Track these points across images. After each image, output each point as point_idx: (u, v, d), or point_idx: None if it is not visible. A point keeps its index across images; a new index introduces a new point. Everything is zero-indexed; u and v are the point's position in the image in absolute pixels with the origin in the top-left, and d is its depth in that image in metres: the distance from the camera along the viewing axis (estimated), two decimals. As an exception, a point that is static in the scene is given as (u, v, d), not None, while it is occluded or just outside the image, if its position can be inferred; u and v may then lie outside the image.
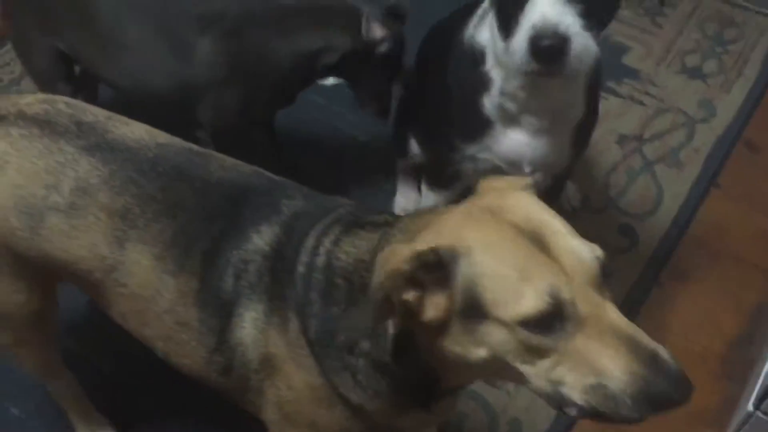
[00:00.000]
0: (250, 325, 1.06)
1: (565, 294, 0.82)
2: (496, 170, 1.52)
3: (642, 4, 2.51)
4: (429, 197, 1.74)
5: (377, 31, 1.66)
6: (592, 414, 0.85)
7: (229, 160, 1.19)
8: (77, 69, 1.87)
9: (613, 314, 0.84)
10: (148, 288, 1.11)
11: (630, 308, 1.83)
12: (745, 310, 1.84)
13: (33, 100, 1.20)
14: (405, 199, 2.03)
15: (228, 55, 1.64)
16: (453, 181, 1.70)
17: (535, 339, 0.83)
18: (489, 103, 1.39)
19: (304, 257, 1.03)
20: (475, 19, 1.41)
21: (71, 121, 1.17)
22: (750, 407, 1.43)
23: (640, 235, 1.98)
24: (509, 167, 1.46)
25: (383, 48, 1.69)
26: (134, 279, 1.11)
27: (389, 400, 1.02)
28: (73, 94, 1.84)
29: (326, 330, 1.00)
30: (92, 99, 2.04)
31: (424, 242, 0.87)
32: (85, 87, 1.98)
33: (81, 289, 1.23)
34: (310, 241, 1.04)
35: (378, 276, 0.86)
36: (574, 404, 0.85)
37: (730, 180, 2.09)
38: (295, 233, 1.07)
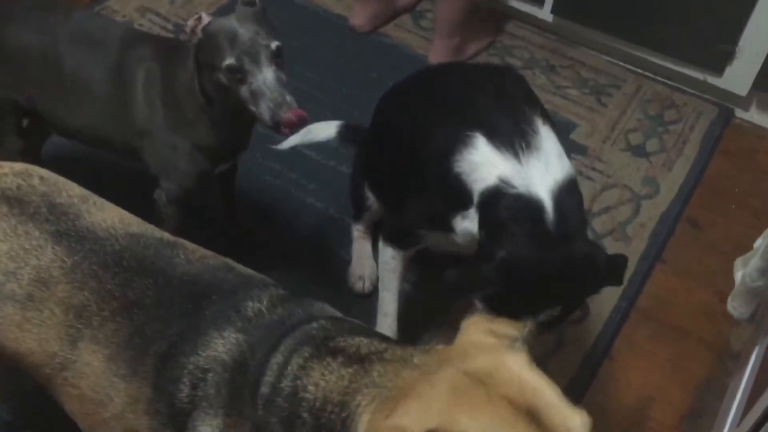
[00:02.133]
0: None
1: None
2: (450, 242, 1.56)
3: (587, 84, 2.63)
4: (386, 252, 1.74)
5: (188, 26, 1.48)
6: None
7: (198, 252, 1.15)
8: (25, 123, 1.83)
9: None
10: (98, 391, 1.05)
11: (584, 381, 1.86)
12: (693, 384, 1.88)
13: (8, 171, 1.16)
14: (360, 267, 2.03)
15: (160, 87, 1.62)
16: (411, 244, 1.73)
17: None
18: (462, 218, 1.48)
19: (269, 377, 0.97)
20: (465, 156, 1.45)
21: (43, 202, 1.12)
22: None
23: (591, 308, 2.01)
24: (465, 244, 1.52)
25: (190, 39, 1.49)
26: (85, 380, 1.06)
27: None
28: (23, 149, 1.81)
29: None
30: (37, 154, 2.01)
31: (409, 418, 0.81)
32: (32, 142, 1.95)
33: (31, 376, 1.16)
34: (277, 358, 0.98)
35: None
36: None
37: (674, 255, 2.16)
38: (260, 345, 1.01)
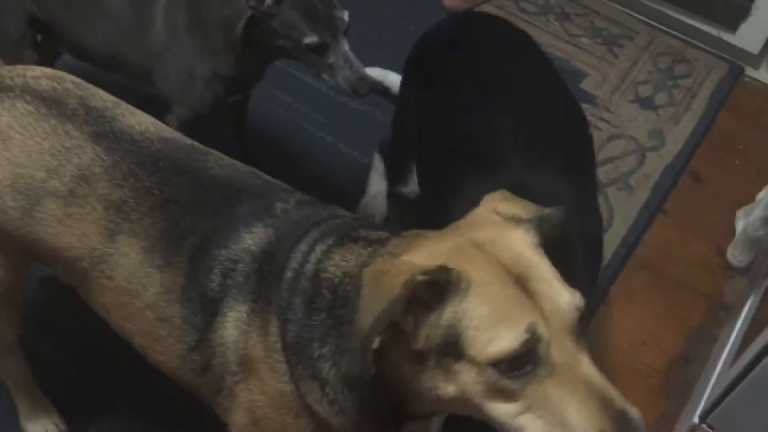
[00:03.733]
0: (232, 325, 1.05)
1: (543, 333, 0.82)
2: None
3: (600, 34, 2.62)
4: None
5: None
6: None
7: (228, 159, 1.18)
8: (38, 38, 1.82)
9: (586, 366, 0.84)
10: (133, 281, 1.10)
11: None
12: (685, 332, 1.93)
13: (40, 74, 1.18)
14: (373, 205, 2.01)
15: (184, 13, 1.60)
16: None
17: (504, 381, 0.83)
18: None
19: (294, 263, 1.02)
20: None
21: (80, 104, 1.15)
22: (695, 420, 1.51)
23: (591, 254, 2.05)
24: None
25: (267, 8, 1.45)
26: (121, 272, 1.10)
27: (354, 419, 1.00)
28: (37, 64, 1.80)
29: (303, 336, 0.99)
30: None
31: (415, 257, 0.87)
32: (44, 60, 1.93)
33: (62, 274, 1.20)
34: (302, 247, 1.03)
35: (378, 288, 0.84)
36: None
37: (675, 207, 2.20)
38: (287, 237, 1.05)
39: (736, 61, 2.59)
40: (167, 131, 1.19)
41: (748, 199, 2.09)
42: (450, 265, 0.84)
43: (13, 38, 1.76)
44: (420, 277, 0.82)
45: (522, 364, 0.82)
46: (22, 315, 1.43)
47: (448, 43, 1.66)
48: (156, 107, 1.70)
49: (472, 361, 0.83)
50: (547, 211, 0.95)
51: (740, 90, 2.53)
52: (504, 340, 0.81)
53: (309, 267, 1.01)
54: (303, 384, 1.00)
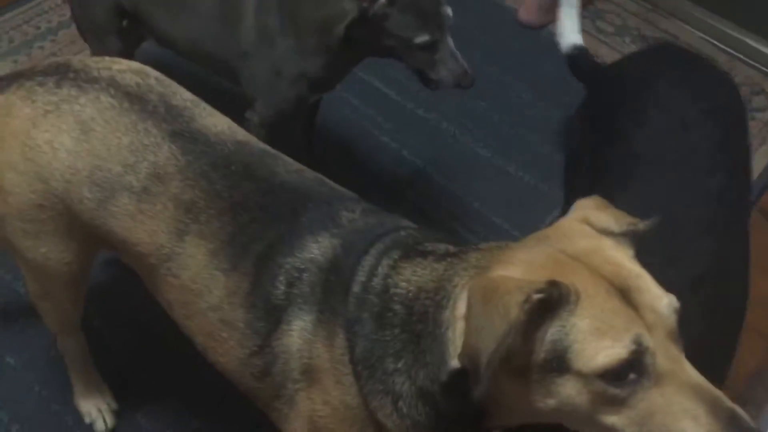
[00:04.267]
0: (297, 334, 1.05)
1: (648, 343, 0.82)
2: None
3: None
4: None
5: None
6: None
7: (295, 165, 1.19)
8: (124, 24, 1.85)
9: (690, 370, 0.84)
10: (198, 282, 1.11)
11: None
12: (743, 375, 1.88)
13: (126, 68, 1.20)
14: None
15: (277, 15, 1.61)
16: None
17: (612, 391, 0.82)
18: None
19: (360, 276, 1.02)
20: None
21: (161, 101, 1.16)
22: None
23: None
24: None
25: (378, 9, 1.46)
26: (187, 272, 1.11)
27: None
28: (120, 51, 1.83)
29: (374, 352, 0.98)
30: (130, 59, 2.03)
31: (514, 271, 0.85)
32: (127, 46, 1.96)
33: (132, 266, 1.22)
34: (368, 260, 1.03)
35: (490, 308, 0.82)
36: None
37: (742, 244, 2.13)
38: (353, 249, 1.05)
39: (817, 97, 2.51)
40: (241, 134, 1.20)
41: (821, 242, 2.02)
42: (557, 279, 0.83)
43: (99, 25, 1.79)
44: (536, 296, 0.81)
45: (627, 374, 0.82)
46: (90, 299, 1.47)
47: (638, 81, 1.57)
48: (232, 101, 1.73)
49: (579, 374, 0.82)
50: (641, 225, 0.95)
51: (819, 128, 2.45)
52: (612, 350, 0.81)
53: (377, 281, 1.00)
54: (374, 398, 0.99)
